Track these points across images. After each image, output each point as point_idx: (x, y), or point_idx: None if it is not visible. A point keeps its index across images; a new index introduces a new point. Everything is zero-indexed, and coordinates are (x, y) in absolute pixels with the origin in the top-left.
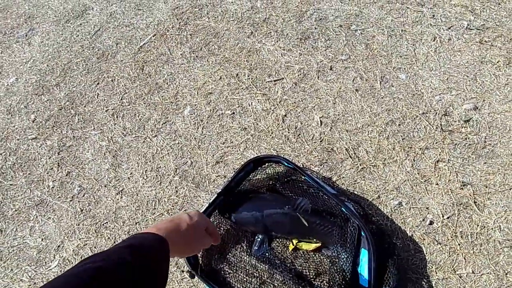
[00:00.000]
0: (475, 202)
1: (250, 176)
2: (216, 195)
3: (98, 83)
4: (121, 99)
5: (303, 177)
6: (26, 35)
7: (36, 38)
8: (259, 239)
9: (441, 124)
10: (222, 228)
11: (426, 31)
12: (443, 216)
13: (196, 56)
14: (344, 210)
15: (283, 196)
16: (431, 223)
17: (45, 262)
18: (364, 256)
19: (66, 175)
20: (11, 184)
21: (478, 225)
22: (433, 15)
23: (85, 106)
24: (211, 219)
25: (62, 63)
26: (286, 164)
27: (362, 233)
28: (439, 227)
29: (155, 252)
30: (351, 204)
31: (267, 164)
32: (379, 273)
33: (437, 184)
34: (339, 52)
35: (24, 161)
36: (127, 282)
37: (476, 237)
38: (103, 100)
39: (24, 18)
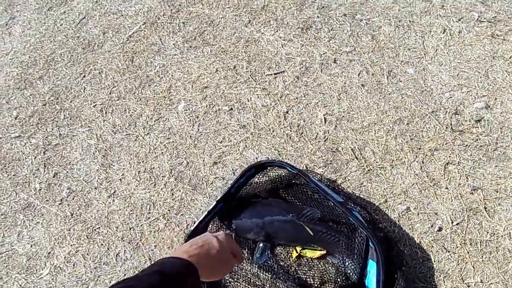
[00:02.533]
0: (485, 208)
1: (251, 180)
2: (215, 202)
3: (84, 76)
4: (110, 94)
5: (308, 182)
6: (6, 24)
7: (17, 27)
8: (260, 246)
9: (451, 124)
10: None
11: (435, 22)
12: (452, 222)
13: (190, 46)
14: (351, 219)
15: (286, 201)
16: (440, 229)
17: (36, 270)
18: (372, 268)
19: (54, 177)
20: None
21: (487, 232)
22: (443, 5)
23: (71, 101)
24: (209, 227)
25: (45, 55)
26: (290, 169)
27: (370, 243)
28: (448, 233)
29: (184, 279)
30: (358, 213)
31: (269, 168)
32: (387, 285)
33: (446, 188)
34: (343, 43)
35: (8, 162)
36: None
37: (486, 245)
38: (90, 94)
39: (4, 6)
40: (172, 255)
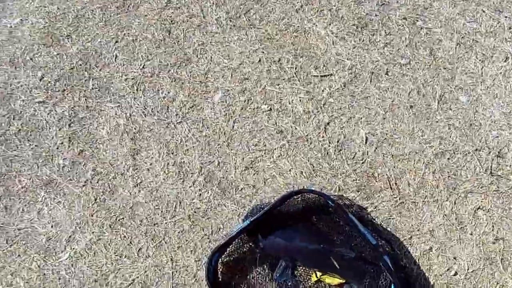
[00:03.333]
0: (501, 259)
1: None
2: (248, 222)
3: (116, 41)
4: (143, 67)
5: (343, 214)
6: None
7: None
8: (282, 265)
9: (491, 167)
10: (245, 247)
11: (499, 46)
12: (468, 269)
13: (234, 25)
14: (381, 264)
15: (318, 229)
16: (455, 274)
17: (55, 253)
18: None
19: (79, 154)
20: (16, 155)
21: (497, 283)
22: (510, 27)
23: (100, 70)
24: (236, 240)
25: (76, 8)
26: (330, 203)
27: (393, 286)
28: (461, 279)
29: None
30: (388, 258)
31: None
32: None
33: (471, 234)
34: (399, 53)
35: (31, 129)
36: None
37: None
38: (122, 65)
39: None
40: None
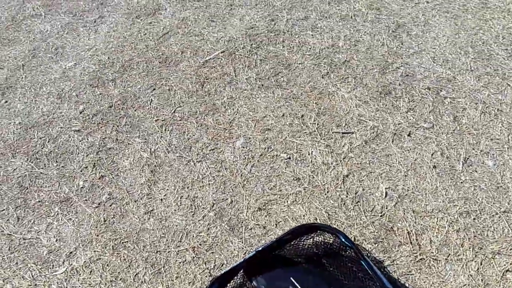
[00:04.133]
0: None
1: (295, 241)
2: (254, 252)
3: (154, 89)
4: (174, 112)
5: (357, 259)
6: (94, 22)
7: (104, 26)
8: None
9: None
10: (246, 285)
11: None
12: None
13: (262, 85)
14: None
15: (327, 272)
16: None
17: (52, 266)
18: None
19: (99, 178)
20: (41, 173)
21: None
22: None
23: (135, 110)
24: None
25: (124, 59)
26: (343, 240)
27: None
28: None
29: None
30: None
31: (319, 231)
32: None
33: None
34: (422, 117)
35: (61, 152)
36: None
37: None
38: (156, 108)
39: (97, 3)
40: None
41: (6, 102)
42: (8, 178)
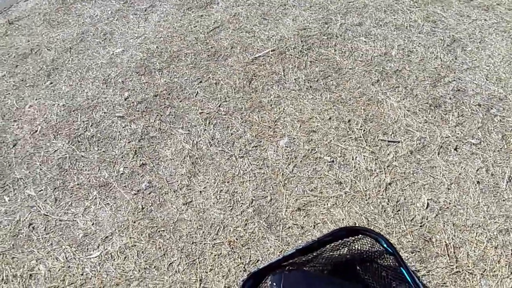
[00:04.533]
0: None
1: (330, 246)
2: (294, 250)
3: (201, 82)
4: (219, 106)
5: (395, 267)
6: (145, 10)
7: (154, 16)
8: None
9: None
10: None
11: None
12: None
13: (310, 87)
14: None
15: (361, 280)
16: None
17: (87, 249)
18: None
19: (140, 166)
20: (82, 156)
21: None
22: None
23: (180, 101)
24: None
25: (172, 50)
26: (385, 246)
27: None
28: None
29: None
30: None
31: (358, 236)
32: None
33: None
34: (470, 133)
35: (103, 137)
36: None
37: None
38: (201, 101)
39: None
40: None
41: (51, 83)
42: (49, 159)
